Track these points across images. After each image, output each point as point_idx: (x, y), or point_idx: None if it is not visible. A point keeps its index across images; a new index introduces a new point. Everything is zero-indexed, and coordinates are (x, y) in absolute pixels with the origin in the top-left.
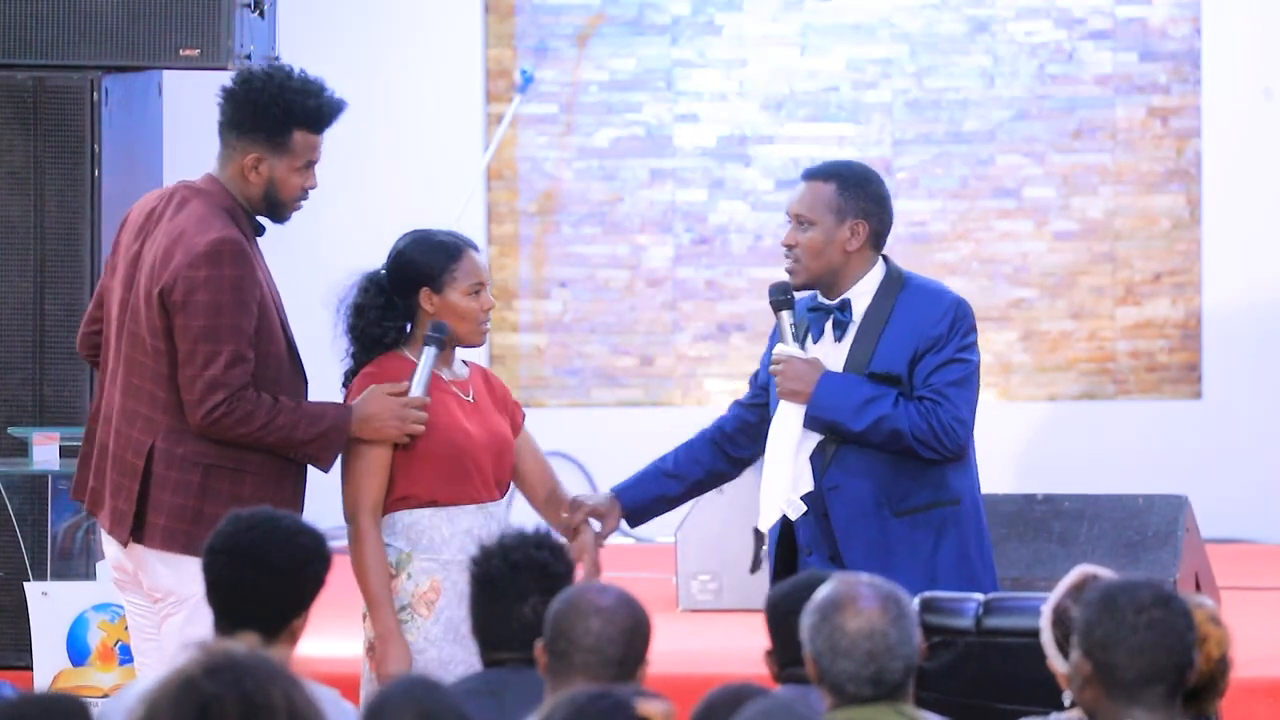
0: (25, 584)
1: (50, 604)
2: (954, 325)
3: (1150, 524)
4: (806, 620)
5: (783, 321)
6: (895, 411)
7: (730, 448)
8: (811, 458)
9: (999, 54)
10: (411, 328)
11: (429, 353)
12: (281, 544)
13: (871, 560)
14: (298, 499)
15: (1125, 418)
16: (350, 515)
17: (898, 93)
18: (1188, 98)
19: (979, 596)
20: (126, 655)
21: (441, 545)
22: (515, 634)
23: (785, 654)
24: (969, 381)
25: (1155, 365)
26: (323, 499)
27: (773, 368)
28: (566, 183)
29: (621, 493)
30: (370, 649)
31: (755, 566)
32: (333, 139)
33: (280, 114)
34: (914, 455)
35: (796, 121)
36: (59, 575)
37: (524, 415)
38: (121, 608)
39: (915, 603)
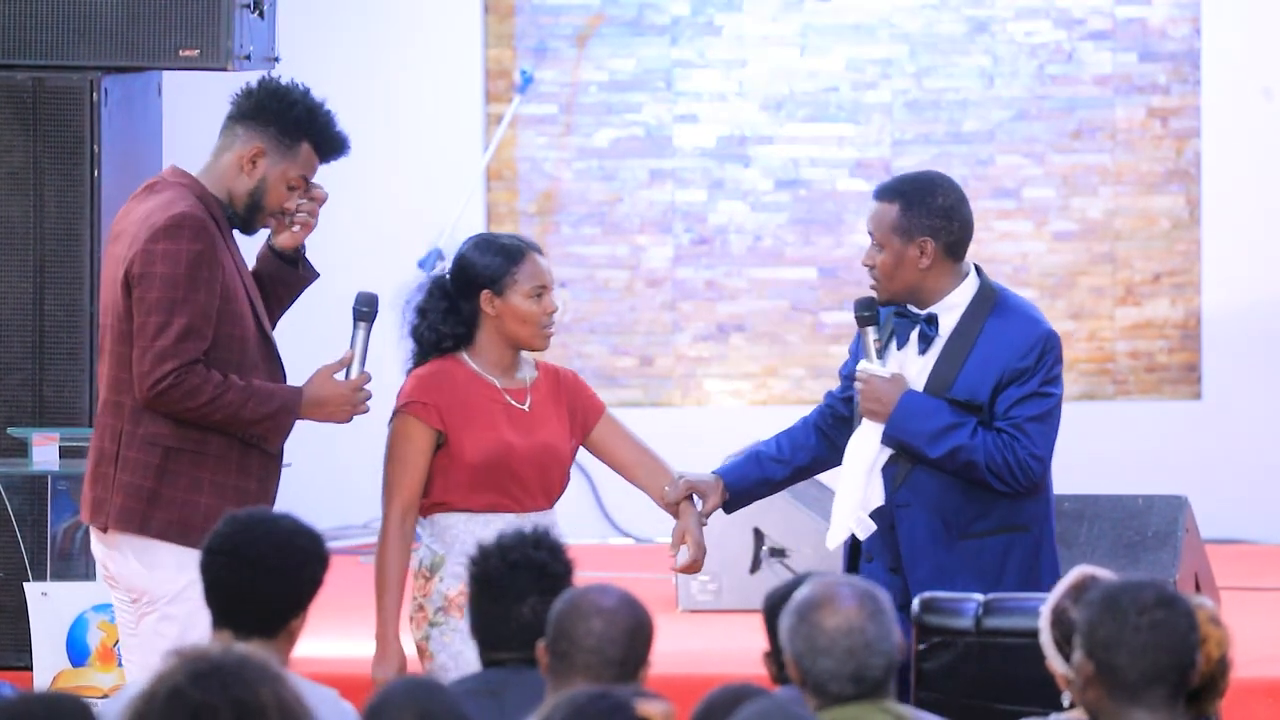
0: (25, 584)
1: (50, 604)
2: (1042, 359)
3: (1150, 525)
4: (785, 622)
5: (866, 338)
6: (972, 442)
7: (835, 435)
8: (886, 471)
9: (998, 54)
10: (474, 332)
11: (361, 329)
12: (279, 545)
13: (936, 581)
14: (265, 488)
15: (1125, 418)
16: (383, 513)
17: (897, 93)
18: (1187, 98)
19: (979, 597)
20: None
21: (473, 551)
22: (514, 634)
23: (784, 655)
24: (1050, 417)
25: (1155, 366)
26: (323, 499)
27: (856, 385)
28: (566, 183)
29: (724, 474)
30: (420, 652)
31: (755, 567)
32: None
33: (302, 115)
34: (987, 486)
35: (796, 122)
36: (58, 576)
37: (603, 405)
38: None
39: (916, 603)
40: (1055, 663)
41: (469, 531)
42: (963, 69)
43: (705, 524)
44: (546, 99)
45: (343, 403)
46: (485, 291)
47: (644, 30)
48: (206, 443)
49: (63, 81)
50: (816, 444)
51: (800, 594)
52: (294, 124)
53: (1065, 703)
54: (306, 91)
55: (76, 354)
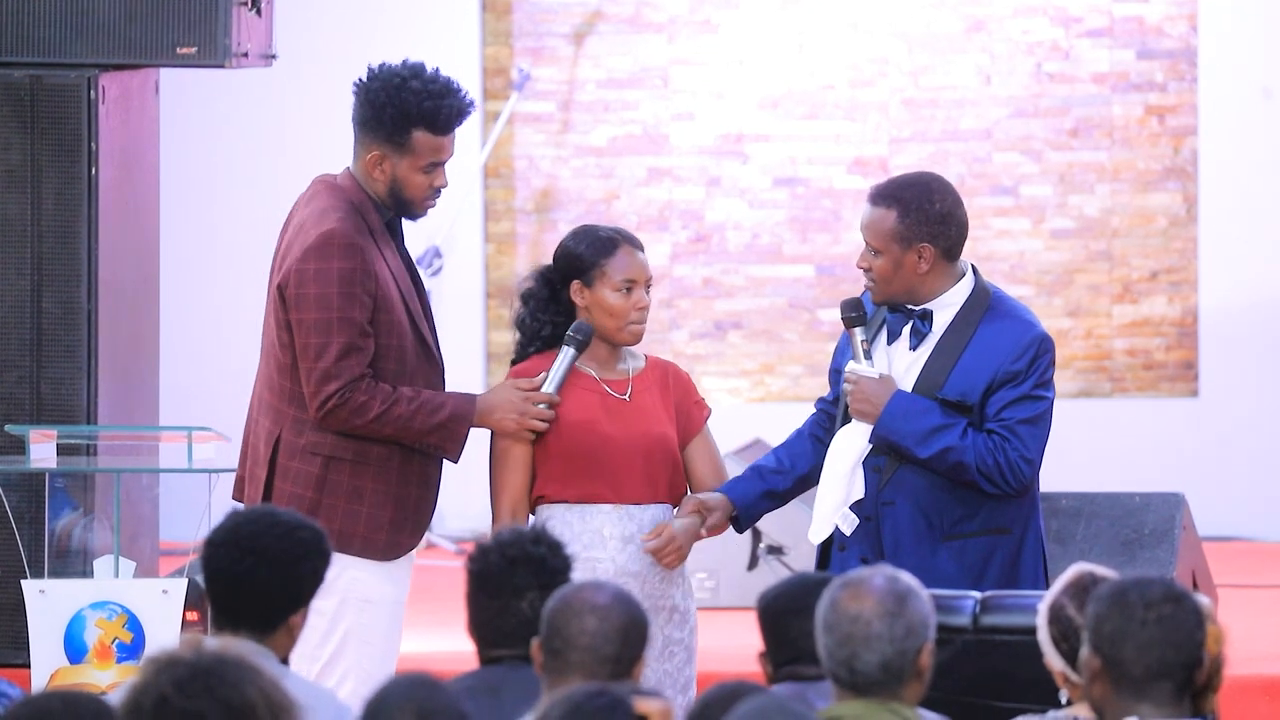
0: (22, 582)
1: (47, 602)
2: (1035, 361)
3: (1147, 522)
4: (824, 596)
5: (854, 339)
6: (963, 443)
7: (831, 440)
8: (873, 471)
9: (996, 52)
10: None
11: (566, 352)
12: (281, 536)
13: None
14: (425, 494)
15: (1122, 416)
16: (492, 515)
17: (894, 91)
18: (1184, 96)
19: (976, 594)
20: (124, 653)
21: (570, 542)
22: (514, 630)
23: (779, 654)
24: (1042, 420)
25: (1152, 363)
26: None
27: (844, 386)
28: (563, 181)
29: (729, 491)
30: None
31: (753, 564)
32: (331, 135)
33: (396, 115)
34: (976, 488)
35: (793, 120)
36: (56, 573)
37: (706, 416)
38: (119, 605)
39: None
40: (1053, 660)
41: (566, 524)
42: (960, 67)
43: (703, 535)
44: (544, 97)
45: (510, 409)
46: (575, 282)
47: (641, 28)
48: (367, 452)
49: (60, 79)
50: (813, 451)
51: (855, 571)
52: (394, 124)
53: (1063, 700)
54: (399, 84)
55: (74, 352)
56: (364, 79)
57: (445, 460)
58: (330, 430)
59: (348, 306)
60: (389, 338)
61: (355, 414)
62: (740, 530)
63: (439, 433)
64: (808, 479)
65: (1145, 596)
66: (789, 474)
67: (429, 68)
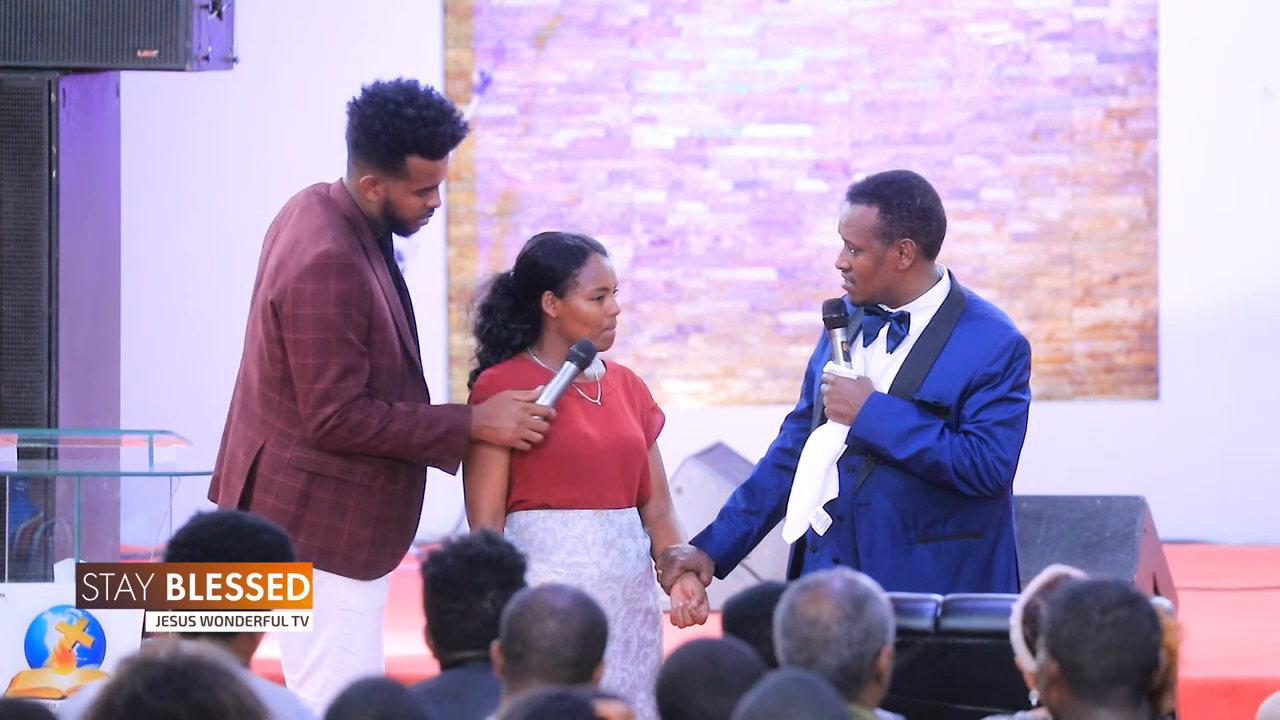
0: None
1: (8, 605)
2: (1011, 364)
3: (1108, 525)
4: (783, 600)
5: (834, 339)
6: (939, 444)
7: (795, 463)
8: (848, 472)
9: (957, 55)
10: (539, 330)
11: (568, 368)
12: (243, 539)
13: (893, 582)
14: (407, 518)
15: (1083, 419)
16: (469, 521)
17: (856, 94)
18: (1145, 99)
19: (937, 597)
20: (84, 657)
21: (553, 548)
22: (476, 630)
23: None
24: (1018, 422)
25: (1113, 366)
26: None
27: (822, 387)
28: (525, 184)
29: (704, 543)
30: None
31: None
32: (293, 139)
33: (391, 143)
34: (953, 489)
35: (755, 123)
36: (16, 577)
37: (661, 423)
38: (79, 610)
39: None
40: (1025, 660)
41: (548, 530)
42: (921, 70)
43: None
44: (505, 100)
45: (510, 420)
46: (547, 293)
47: (603, 31)
48: (351, 470)
49: (20, 82)
50: (779, 483)
51: (812, 575)
52: (389, 151)
53: (1034, 701)
54: (394, 110)
55: (35, 355)
56: (357, 100)
57: (443, 472)
58: (328, 450)
59: (345, 327)
60: (381, 358)
61: (353, 432)
62: (720, 577)
63: (437, 446)
64: (779, 511)
65: (1101, 600)
66: (760, 513)
67: (422, 87)
